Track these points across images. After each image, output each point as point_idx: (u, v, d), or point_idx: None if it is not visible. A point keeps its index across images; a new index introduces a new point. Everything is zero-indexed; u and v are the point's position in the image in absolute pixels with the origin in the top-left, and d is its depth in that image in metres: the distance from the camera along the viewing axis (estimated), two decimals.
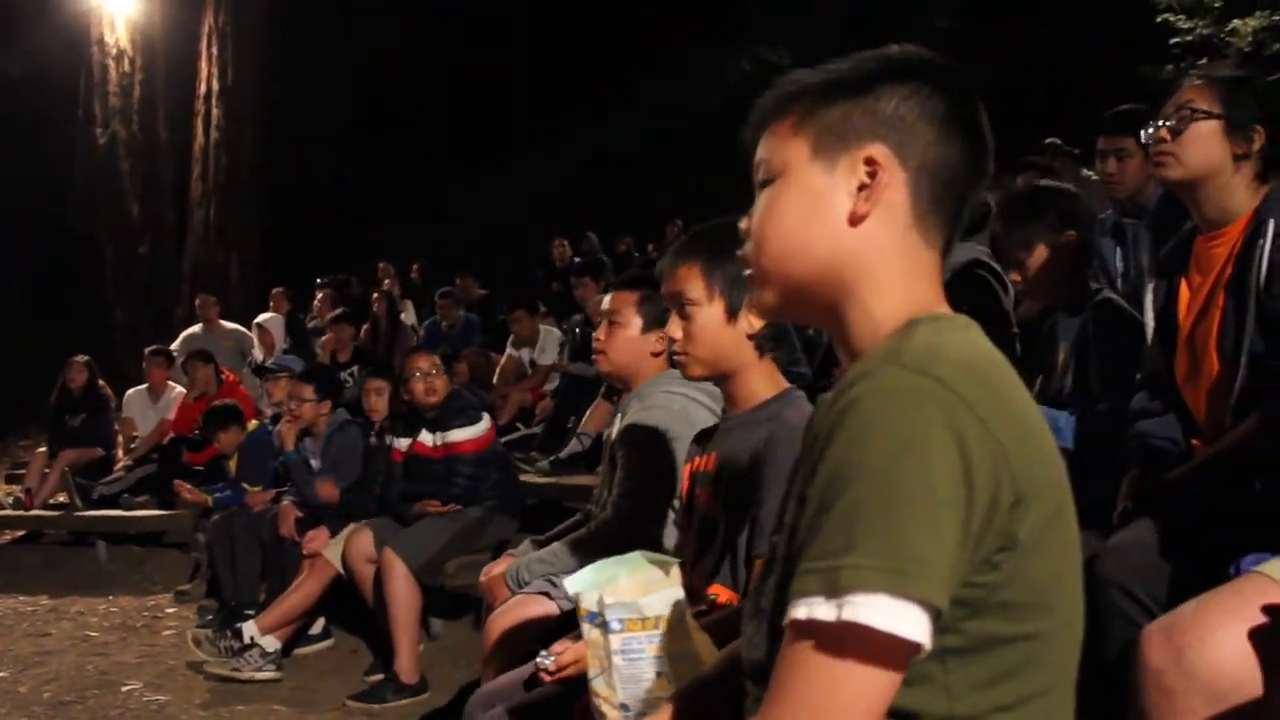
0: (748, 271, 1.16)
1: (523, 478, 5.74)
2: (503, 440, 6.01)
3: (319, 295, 9.95)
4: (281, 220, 13.72)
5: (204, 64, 12.62)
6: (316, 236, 13.92)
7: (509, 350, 7.91)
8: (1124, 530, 2.08)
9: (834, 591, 0.89)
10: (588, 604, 1.46)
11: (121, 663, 5.24)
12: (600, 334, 2.80)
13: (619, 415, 2.89)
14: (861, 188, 1.07)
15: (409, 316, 10.18)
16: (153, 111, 12.15)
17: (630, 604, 1.42)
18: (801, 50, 16.00)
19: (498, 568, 3.08)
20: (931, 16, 15.18)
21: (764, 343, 1.97)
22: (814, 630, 0.90)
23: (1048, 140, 7.11)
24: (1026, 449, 0.97)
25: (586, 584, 1.48)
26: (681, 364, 2.03)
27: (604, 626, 1.43)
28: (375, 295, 9.45)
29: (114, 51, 11.82)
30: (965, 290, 3.14)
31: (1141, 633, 1.64)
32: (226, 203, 12.73)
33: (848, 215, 1.08)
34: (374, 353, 8.41)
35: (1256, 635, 1.46)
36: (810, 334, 6.59)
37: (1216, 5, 8.88)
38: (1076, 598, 1.03)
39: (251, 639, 4.82)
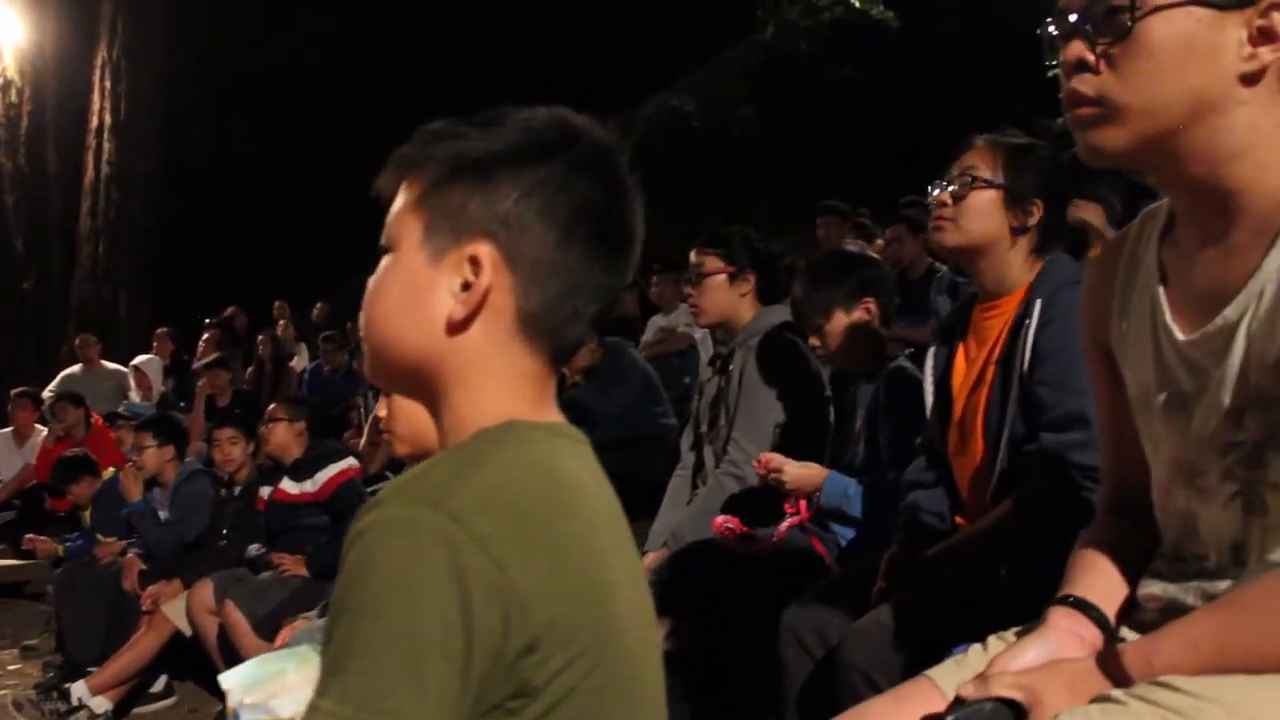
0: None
1: None
2: (370, 490, 5.89)
3: (204, 336, 9.74)
4: (180, 258, 13.43)
5: (96, 96, 12.36)
6: (218, 275, 13.65)
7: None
8: (872, 611, 2.05)
9: None
10: (232, 702, 1.39)
11: None
12: None
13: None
14: (466, 286, 0.99)
15: (302, 360, 9.99)
16: (41, 143, 11.83)
17: (263, 704, 1.35)
18: (706, 97, 16.24)
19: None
20: (839, 67, 15.46)
21: None
22: None
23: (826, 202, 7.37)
24: (558, 588, 0.90)
25: (245, 679, 1.41)
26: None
27: None
28: (260, 338, 9.27)
29: (0, 81, 11.52)
30: (774, 354, 3.13)
31: None
32: (116, 239, 12.41)
33: (447, 315, 1.00)
34: (254, 398, 8.23)
35: None
36: (686, 382, 6.63)
37: None
38: None
39: (80, 700, 4.63)
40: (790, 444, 3.04)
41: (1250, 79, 1.14)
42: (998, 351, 2.15)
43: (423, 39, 15.54)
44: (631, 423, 5.26)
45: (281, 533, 4.76)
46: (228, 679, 1.43)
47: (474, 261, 0.99)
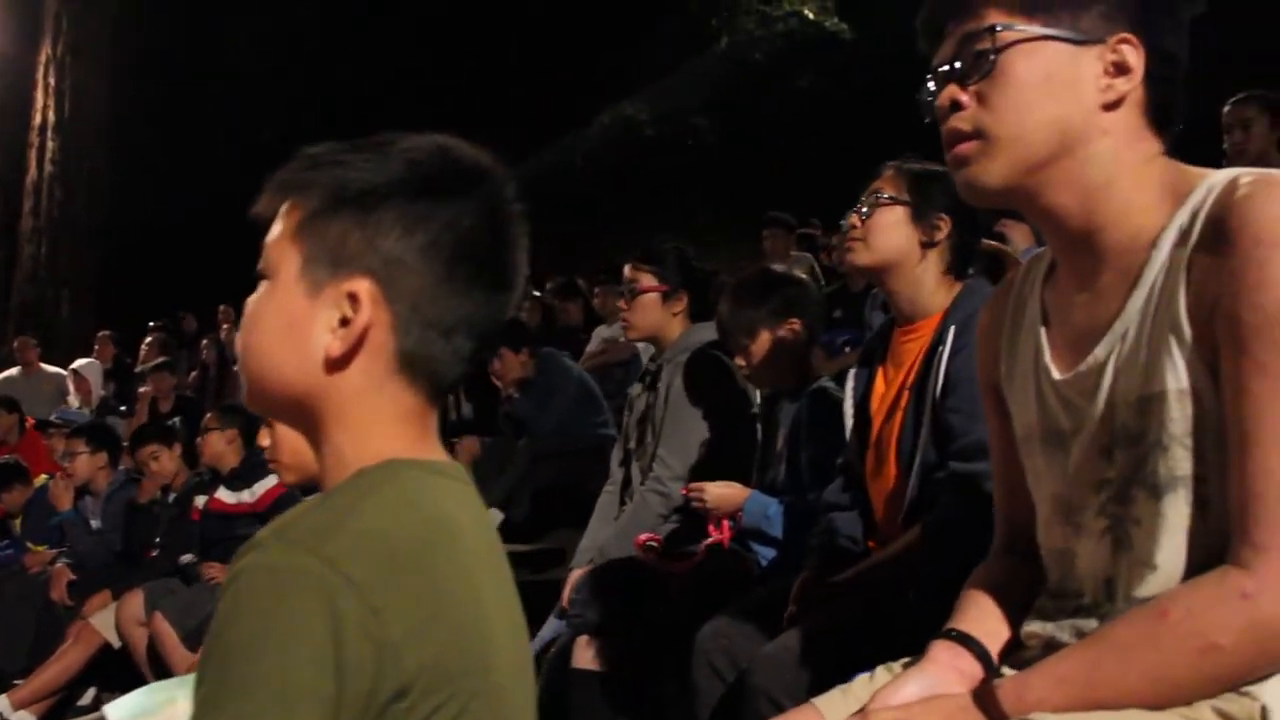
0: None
1: None
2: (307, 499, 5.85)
3: (148, 339, 9.60)
4: (126, 259, 13.24)
5: (39, 94, 12.16)
6: (165, 277, 13.46)
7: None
8: (782, 635, 2.05)
9: None
10: None
11: None
12: None
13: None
14: (344, 322, 0.98)
15: None
16: None
17: None
18: (662, 107, 16.28)
19: None
20: (794, 77, 15.56)
21: None
22: None
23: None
24: (432, 634, 0.90)
25: (133, 709, 1.39)
26: None
27: None
28: (204, 342, 9.16)
29: None
30: (701, 371, 3.13)
31: None
32: (59, 239, 12.21)
33: (324, 351, 0.98)
34: (196, 403, 8.13)
35: None
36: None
37: None
38: None
39: (2, 715, 4.53)
40: (716, 462, 3.04)
41: (1110, 107, 1.20)
42: (912, 377, 2.16)
43: (373, 45, 15.46)
44: (569, 433, 5.26)
45: (216, 543, 4.69)
46: (113, 710, 1.40)
47: (353, 298, 0.97)
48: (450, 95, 15.35)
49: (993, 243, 2.96)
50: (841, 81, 14.96)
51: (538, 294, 9.85)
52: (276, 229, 1.03)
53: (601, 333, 7.02)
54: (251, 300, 1.04)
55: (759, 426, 3.10)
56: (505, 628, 1.01)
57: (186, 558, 4.80)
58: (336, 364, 0.98)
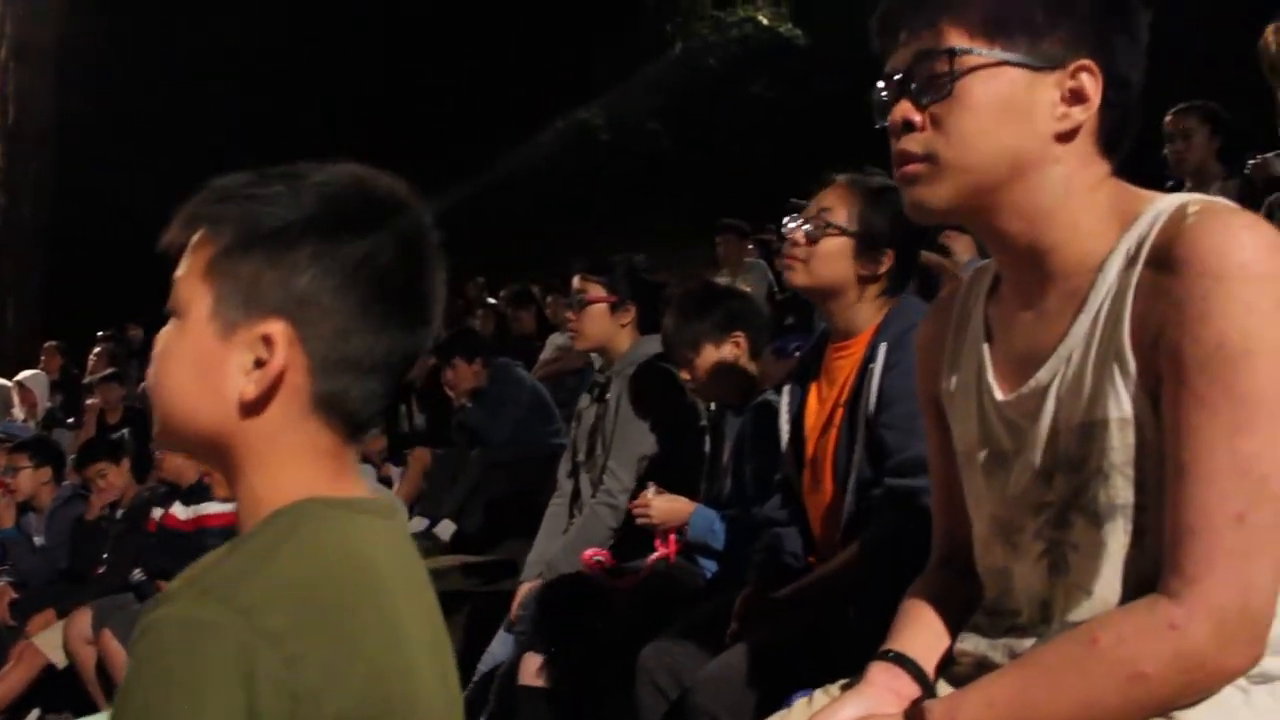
0: None
1: None
2: None
3: (96, 350, 9.44)
4: (74, 267, 13.01)
5: None
6: (114, 285, 13.26)
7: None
8: (724, 653, 2.05)
9: None
10: None
11: None
12: None
13: None
14: (259, 363, 0.96)
15: None
16: None
17: None
18: (616, 113, 16.28)
19: None
20: (748, 83, 15.62)
21: None
22: None
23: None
24: (350, 679, 0.89)
25: None
26: None
27: None
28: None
29: None
30: (649, 384, 3.13)
31: None
32: (3, 246, 11.99)
33: (238, 394, 0.96)
34: (145, 415, 8.00)
35: None
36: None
37: None
38: None
39: None
40: (664, 475, 3.04)
41: (1065, 137, 1.18)
42: (846, 393, 2.17)
43: (327, 52, 15.33)
44: (522, 443, 5.25)
45: (170, 559, 4.62)
46: None
47: (267, 340, 0.96)
48: (402, 105, 15.28)
49: (933, 256, 2.97)
50: (796, 87, 15.05)
51: (492, 302, 9.82)
52: (186, 265, 1.00)
53: (556, 340, 7.00)
54: (161, 337, 1.02)
55: (707, 438, 3.10)
56: (430, 667, 1.00)
57: (137, 574, 4.72)
58: (251, 407, 0.97)
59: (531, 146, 15.00)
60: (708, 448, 3.09)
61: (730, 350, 2.76)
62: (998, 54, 1.17)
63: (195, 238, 1.00)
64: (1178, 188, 4.82)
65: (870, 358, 2.11)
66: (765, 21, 15.34)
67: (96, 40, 13.11)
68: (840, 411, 2.17)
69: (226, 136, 15.02)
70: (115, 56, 14.04)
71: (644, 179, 14.77)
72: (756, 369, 2.82)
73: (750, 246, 8.27)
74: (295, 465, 0.98)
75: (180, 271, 1.01)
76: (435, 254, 1.04)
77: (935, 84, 1.19)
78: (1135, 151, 1.30)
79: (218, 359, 0.97)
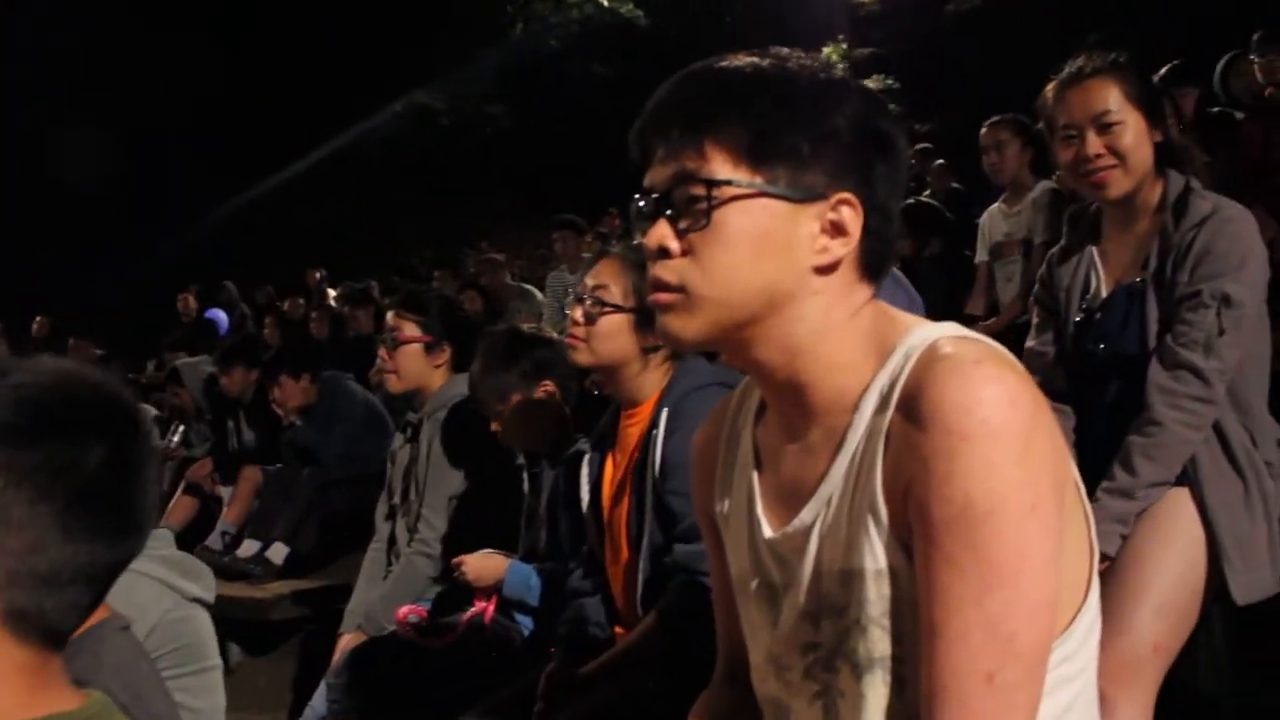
0: None
1: None
2: None
3: None
4: None
5: None
6: None
7: None
8: None
9: None
10: None
11: None
12: None
13: None
14: None
15: None
16: None
17: None
18: (456, 95, 15.95)
19: None
20: (588, 63, 15.53)
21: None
22: None
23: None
24: None
25: None
26: None
27: None
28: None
29: None
30: (461, 427, 3.06)
31: None
32: None
33: None
34: None
35: None
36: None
37: None
38: None
39: None
40: (481, 522, 2.98)
41: (824, 270, 1.15)
42: (636, 458, 2.17)
43: (163, 41, 14.67)
44: (355, 459, 5.11)
45: None
46: None
47: None
48: (240, 90, 14.69)
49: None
50: (637, 67, 15.01)
51: (330, 303, 9.55)
52: None
53: None
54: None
55: (524, 481, 3.05)
56: None
57: None
58: None
59: (369, 132, 14.61)
60: (526, 488, 3.04)
61: (539, 399, 2.70)
62: (759, 184, 1.13)
63: None
64: (997, 194, 4.96)
65: (654, 423, 2.11)
66: (605, 2, 15.23)
67: None
68: (631, 478, 2.17)
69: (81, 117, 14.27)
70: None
71: (484, 161, 14.58)
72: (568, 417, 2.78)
73: (588, 240, 8.21)
74: None
75: None
76: (150, 455, 0.99)
77: (693, 211, 1.14)
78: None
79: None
